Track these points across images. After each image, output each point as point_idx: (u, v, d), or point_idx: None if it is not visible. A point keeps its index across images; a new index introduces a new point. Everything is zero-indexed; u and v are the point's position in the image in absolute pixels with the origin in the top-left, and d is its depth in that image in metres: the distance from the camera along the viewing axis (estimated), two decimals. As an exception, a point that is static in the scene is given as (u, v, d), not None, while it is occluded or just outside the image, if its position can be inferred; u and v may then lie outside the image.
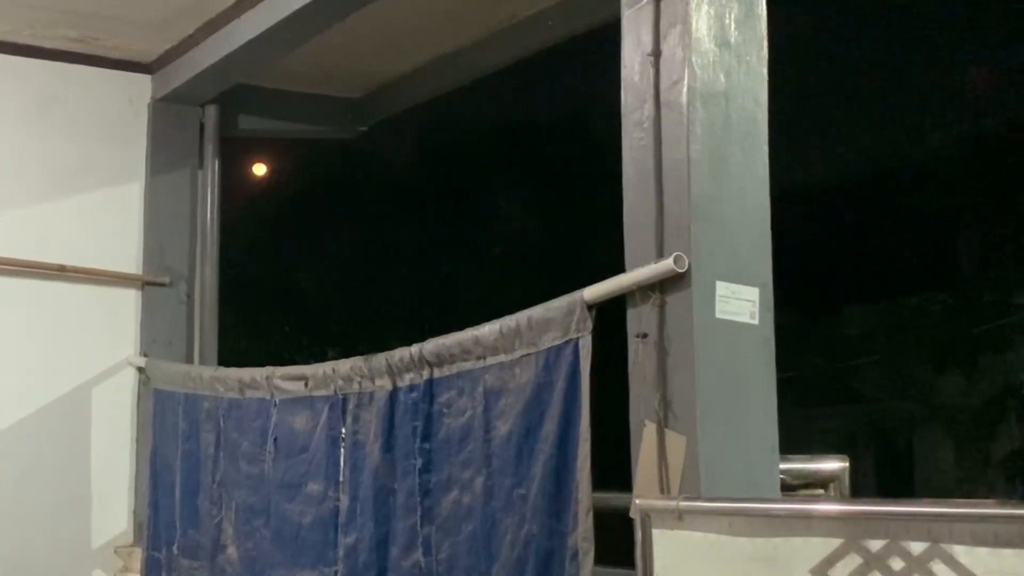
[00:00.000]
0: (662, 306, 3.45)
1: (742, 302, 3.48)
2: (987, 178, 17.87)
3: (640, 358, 3.48)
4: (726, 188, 3.53)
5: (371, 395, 4.54)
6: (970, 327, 17.65)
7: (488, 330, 3.97)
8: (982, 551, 2.45)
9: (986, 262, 18.33)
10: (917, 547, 2.56)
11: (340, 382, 4.70)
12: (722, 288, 3.45)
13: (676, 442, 3.36)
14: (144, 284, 6.40)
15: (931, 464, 19.01)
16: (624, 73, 3.70)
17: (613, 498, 3.64)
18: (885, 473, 18.59)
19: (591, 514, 3.52)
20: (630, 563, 3.31)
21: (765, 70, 3.69)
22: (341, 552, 4.59)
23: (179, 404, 5.83)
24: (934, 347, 17.85)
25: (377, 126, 7.41)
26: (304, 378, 4.95)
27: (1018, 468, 17.52)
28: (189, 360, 6.40)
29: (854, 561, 2.68)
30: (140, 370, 6.28)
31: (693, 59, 3.51)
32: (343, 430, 4.69)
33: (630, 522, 3.31)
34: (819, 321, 18.71)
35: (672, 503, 3.19)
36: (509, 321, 3.88)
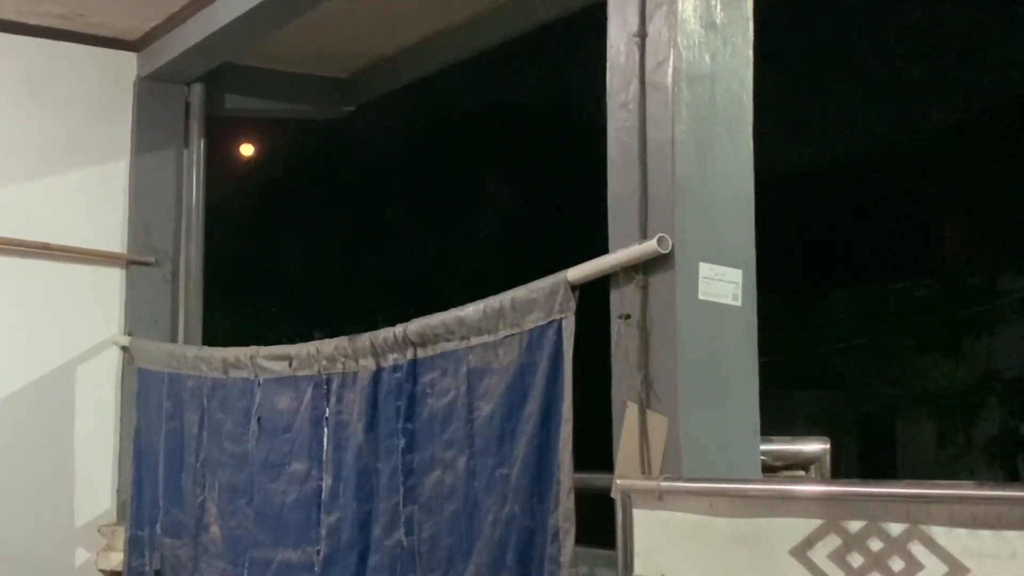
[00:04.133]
0: (645, 287, 3.46)
1: (725, 284, 3.49)
2: (972, 163, 17.92)
3: (623, 339, 3.49)
4: (710, 170, 3.54)
5: (355, 375, 4.54)
6: (954, 312, 17.72)
7: (472, 311, 3.97)
8: (960, 532, 2.46)
9: (971, 247, 18.39)
10: (896, 528, 2.58)
11: (324, 362, 4.71)
12: (705, 269, 3.45)
13: (658, 423, 3.37)
14: (129, 263, 6.38)
15: (913, 448, 19.09)
16: (610, 54, 3.70)
17: (595, 478, 3.64)
18: (867, 457, 18.66)
19: (572, 494, 3.53)
20: (611, 543, 3.32)
21: (751, 52, 3.69)
22: (324, 531, 4.60)
23: (163, 383, 5.83)
24: (918, 331, 17.90)
25: (364, 106, 7.39)
26: (288, 358, 4.95)
27: (999, 452, 17.60)
28: (173, 340, 6.38)
29: (834, 542, 2.69)
30: (124, 349, 6.27)
31: (679, 40, 3.51)
32: (327, 410, 4.69)
33: (611, 502, 3.32)
34: (803, 304, 18.75)
35: (653, 483, 3.20)
36: (493, 302, 3.88)
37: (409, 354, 4.26)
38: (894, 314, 18.13)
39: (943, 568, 2.50)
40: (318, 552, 4.62)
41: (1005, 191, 17.43)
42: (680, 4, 3.52)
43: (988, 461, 17.59)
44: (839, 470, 4.73)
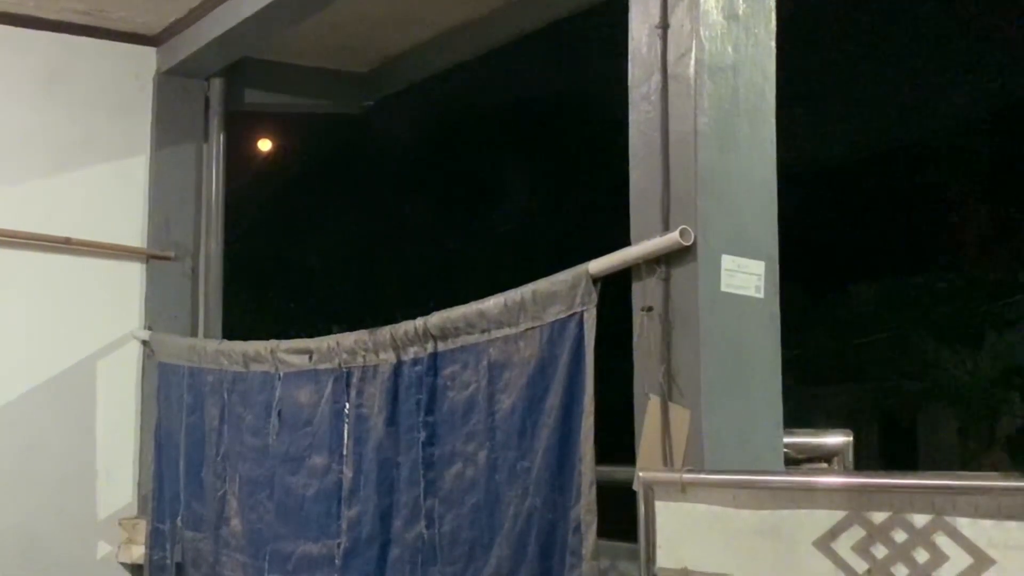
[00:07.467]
0: (667, 279, 3.45)
1: (748, 276, 3.47)
2: (994, 156, 17.85)
3: (645, 331, 3.48)
4: (733, 161, 3.52)
5: (375, 368, 4.54)
6: (976, 305, 17.65)
7: (493, 303, 3.96)
8: (986, 523, 2.45)
9: (992, 240, 18.31)
10: (920, 519, 2.56)
11: (344, 355, 4.70)
12: (728, 262, 3.44)
13: (680, 415, 3.36)
14: (149, 258, 6.40)
15: (935, 442, 19.03)
16: (632, 46, 3.69)
17: (617, 471, 3.63)
18: (889, 451, 18.61)
19: (594, 487, 3.52)
20: (633, 536, 3.31)
21: (773, 43, 3.67)
22: (344, 524, 4.60)
23: (183, 377, 5.84)
24: (940, 325, 17.85)
25: (383, 101, 7.38)
26: (308, 351, 4.95)
27: (1022, 446, 17.53)
28: (193, 334, 6.39)
29: (858, 533, 2.68)
30: (145, 343, 6.29)
31: (701, 31, 3.49)
32: (347, 403, 4.69)
33: (633, 495, 3.31)
34: (825, 299, 18.70)
35: (676, 476, 3.19)
36: (514, 295, 3.87)
37: (430, 347, 4.25)
38: (916, 308, 18.08)
39: (968, 560, 2.48)
40: (339, 545, 4.62)
41: (1027, 184, 17.35)
42: (703, -5, 3.51)
43: (1011, 455, 17.51)
44: (860, 464, 4.72)
